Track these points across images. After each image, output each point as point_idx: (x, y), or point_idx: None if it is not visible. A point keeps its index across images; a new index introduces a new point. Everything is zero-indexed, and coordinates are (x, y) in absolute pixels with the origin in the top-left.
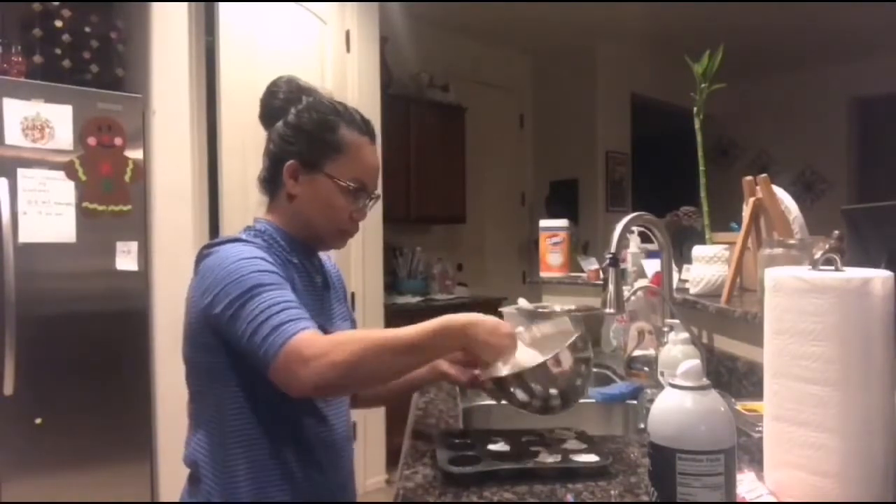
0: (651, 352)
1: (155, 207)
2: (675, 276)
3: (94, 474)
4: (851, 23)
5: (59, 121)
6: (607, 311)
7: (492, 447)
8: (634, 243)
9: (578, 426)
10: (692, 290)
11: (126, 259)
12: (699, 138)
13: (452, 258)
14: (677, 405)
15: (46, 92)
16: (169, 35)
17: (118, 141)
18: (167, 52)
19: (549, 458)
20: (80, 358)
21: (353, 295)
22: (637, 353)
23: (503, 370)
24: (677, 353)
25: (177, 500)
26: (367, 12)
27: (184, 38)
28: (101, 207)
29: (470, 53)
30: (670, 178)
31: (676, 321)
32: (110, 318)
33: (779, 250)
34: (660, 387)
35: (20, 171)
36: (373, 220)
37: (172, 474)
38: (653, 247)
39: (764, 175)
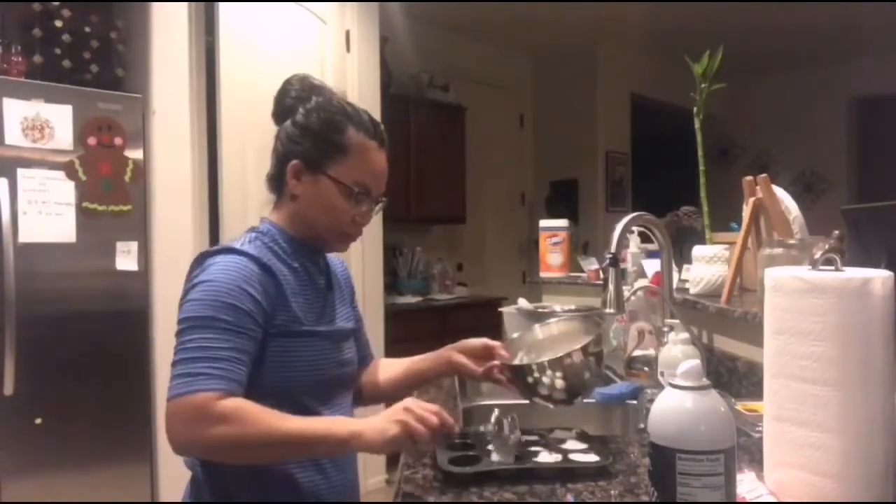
0: (651, 352)
1: (155, 207)
2: (675, 276)
3: (94, 474)
4: (851, 23)
5: (59, 121)
6: (607, 311)
7: (492, 447)
8: (634, 243)
9: (578, 426)
10: (692, 290)
11: (126, 259)
12: (699, 138)
13: (452, 258)
14: (677, 405)
15: (46, 92)
16: (169, 35)
17: (118, 141)
18: (167, 52)
19: (549, 458)
20: (80, 358)
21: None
22: (637, 353)
23: (525, 358)
24: (677, 353)
25: (177, 500)
26: (367, 12)
27: (184, 38)
28: (101, 207)
29: (470, 53)
30: (670, 178)
31: (676, 321)
32: (110, 318)
33: (779, 250)
34: (660, 387)
35: (20, 171)
36: (373, 220)
37: (172, 474)
38: (653, 247)
39: (764, 175)
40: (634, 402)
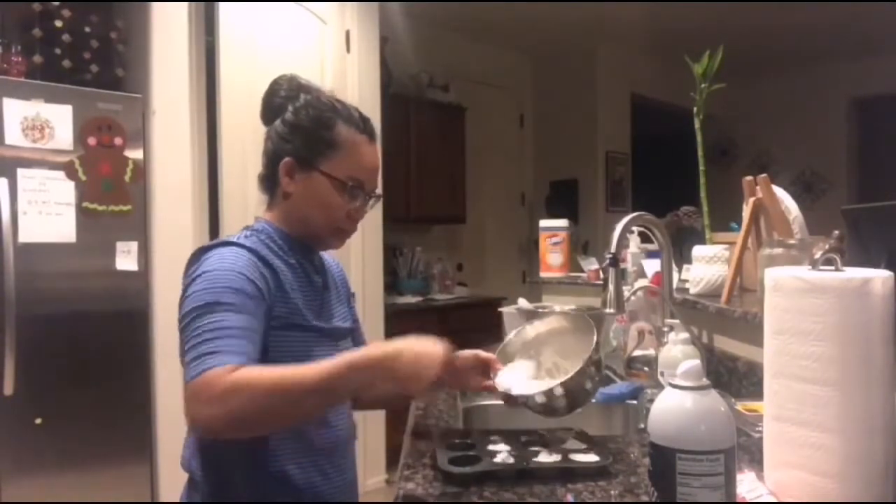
0: (651, 352)
1: (155, 207)
2: (675, 276)
3: (94, 474)
4: (851, 23)
5: (59, 121)
6: (607, 311)
7: (492, 447)
8: (634, 243)
9: (578, 426)
10: (692, 290)
11: (126, 259)
12: (699, 138)
13: (452, 258)
14: (677, 405)
15: (46, 92)
16: (169, 35)
17: (118, 141)
18: (167, 52)
19: (549, 458)
20: (80, 358)
21: (353, 295)
22: (637, 353)
23: (520, 361)
24: (677, 353)
25: (177, 500)
26: (367, 12)
27: (184, 38)
28: (101, 207)
29: (470, 53)
30: (670, 178)
31: (676, 321)
32: (110, 318)
33: (779, 250)
34: (660, 387)
35: (20, 171)
36: (373, 220)
37: (172, 474)
38: (653, 247)
39: (764, 175)
40: (634, 402)
